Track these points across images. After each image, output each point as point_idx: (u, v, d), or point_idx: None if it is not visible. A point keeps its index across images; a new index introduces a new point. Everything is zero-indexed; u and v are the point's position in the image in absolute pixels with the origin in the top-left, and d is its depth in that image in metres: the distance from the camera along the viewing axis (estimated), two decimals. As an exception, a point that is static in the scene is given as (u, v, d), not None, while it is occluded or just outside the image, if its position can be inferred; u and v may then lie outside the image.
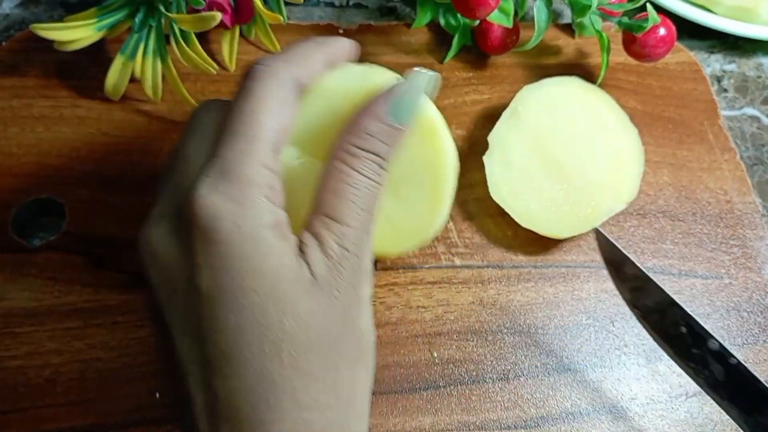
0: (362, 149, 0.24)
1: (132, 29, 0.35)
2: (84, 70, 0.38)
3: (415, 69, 0.26)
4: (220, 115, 0.24)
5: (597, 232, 0.32)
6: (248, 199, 0.23)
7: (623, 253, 0.30)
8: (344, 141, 0.24)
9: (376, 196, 0.25)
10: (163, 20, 0.35)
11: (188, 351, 0.23)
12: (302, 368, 0.23)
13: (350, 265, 0.24)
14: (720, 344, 0.28)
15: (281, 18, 0.37)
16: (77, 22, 0.34)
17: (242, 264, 0.23)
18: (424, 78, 0.26)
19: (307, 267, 0.23)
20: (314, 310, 0.23)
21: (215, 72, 0.36)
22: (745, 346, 0.36)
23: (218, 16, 0.32)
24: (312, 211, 0.24)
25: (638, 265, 0.30)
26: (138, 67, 0.36)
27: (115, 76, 0.36)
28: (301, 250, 0.24)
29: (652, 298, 0.30)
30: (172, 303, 0.24)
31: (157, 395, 0.31)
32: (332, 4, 0.46)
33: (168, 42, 0.36)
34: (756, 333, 0.36)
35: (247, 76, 0.24)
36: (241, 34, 0.40)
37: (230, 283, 0.23)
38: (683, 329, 0.29)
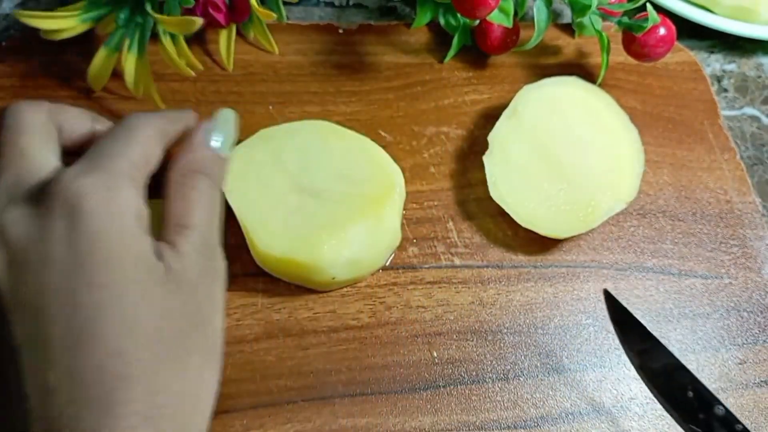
0: (193, 170, 0.28)
1: (116, 24, 0.35)
2: (84, 70, 0.38)
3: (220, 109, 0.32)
4: (54, 118, 0.28)
5: (605, 292, 0.31)
6: (118, 186, 0.24)
7: (632, 316, 0.30)
8: (178, 163, 0.28)
9: (215, 206, 0.28)
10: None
11: (34, 332, 0.23)
12: (157, 353, 0.23)
13: (202, 263, 0.26)
14: (726, 410, 0.27)
15: (275, 15, 0.37)
16: (63, 12, 0.34)
17: (108, 243, 0.23)
18: (229, 114, 0.32)
19: (162, 264, 0.25)
20: (170, 300, 0.24)
21: (193, 75, 0.36)
22: (745, 346, 0.36)
23: (199, 21, 0.32)
24: (162, 224, 0.27)
25: (646, 327, 0.30)
26: (123, 60, 0.36)
27: (97, 67, 0.36)
28: (156, 252, 0.25)
29: (660, 360, 0.30)
30: (20, 284, 0.23)
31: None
32: (332, 4, 0.46)
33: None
34: (756, 333, 0.36)
35: (123, 121, 0.28)
36: (240, 35, 0.40)
37: (92, 259, 0.23)
38: (690, 393, 0.28)
